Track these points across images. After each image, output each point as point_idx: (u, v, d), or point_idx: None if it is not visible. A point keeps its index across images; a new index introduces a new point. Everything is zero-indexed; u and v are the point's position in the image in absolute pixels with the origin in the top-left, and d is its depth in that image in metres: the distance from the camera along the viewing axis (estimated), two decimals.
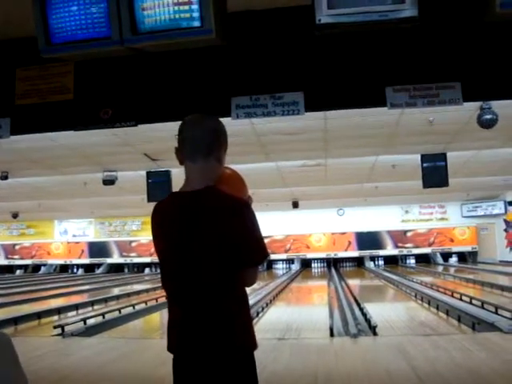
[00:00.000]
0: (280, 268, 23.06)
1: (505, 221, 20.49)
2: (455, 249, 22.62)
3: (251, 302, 9.99)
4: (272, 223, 22.58)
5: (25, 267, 26.09)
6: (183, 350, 1.72)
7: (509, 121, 7.55)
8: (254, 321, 8.37)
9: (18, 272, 25.72)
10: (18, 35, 4.00)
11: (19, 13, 3.61)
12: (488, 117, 6.78)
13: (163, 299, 11.53)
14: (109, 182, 11.13)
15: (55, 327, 7.27)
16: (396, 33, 3.70)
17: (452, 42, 3.79)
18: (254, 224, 1.73)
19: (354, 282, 15.66)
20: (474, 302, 8.82)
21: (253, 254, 1.72)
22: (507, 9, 3.16)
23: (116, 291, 14.84)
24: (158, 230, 1.89)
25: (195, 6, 3.22)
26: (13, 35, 4.03)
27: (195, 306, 1.70)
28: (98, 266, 25.23)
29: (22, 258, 26.04)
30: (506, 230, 20.56)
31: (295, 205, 18.39)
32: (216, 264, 1.68)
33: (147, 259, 24.65)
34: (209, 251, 1.68)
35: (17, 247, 26.09)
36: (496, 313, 7.42)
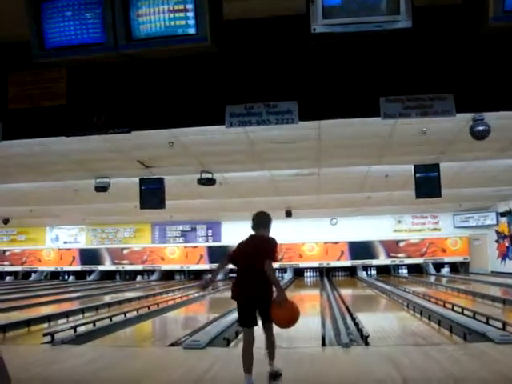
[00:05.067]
0: None
1: (496, 232, 20.59)
2: (447, 259, 22.67)
3: None
4: None
5: (15, 274, 25.84)
6: (246, 295, 4.08)
7: (501, 132, 7.61)
8: None
9: (8, 278, 25.45)
10: (11, 40, 3.99)
11: (12, 17, 3.59)
12: (481, 128, 6.83)
13: (155, 307, 11.47)
14: (101, 188, 11.07)
15: (45, 335, 7.18)
16: (390, 44, 3.73)
17: (445, 54, 3.82)
18: (276, 248, 4.15)
19: (346, 292, 15.61)
20: (465, 312, 8.81)
21: (273, 256, 4.10)
22: (499, 22, 3.19)
23: (107, 299, 14.70)
24: (239, 248, 4.32)
25: (191, 14, 3.22)
26: (6, 40, 4.02)
27: (252, 277, 4.01)
28: (90, 273, 25.03)
29: (12, 265, 25.79)
30: (497, 241, 20.64)
31: (288, 214, 18.38)
32: (261, 260, 3.97)
33: (139, 267, 24.52)
34: (259, 255, 4.02)
35: (7, 253, 25.85)
36: (487, 323, 7.41)
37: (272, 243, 4.06)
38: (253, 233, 4.21)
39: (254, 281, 3.95)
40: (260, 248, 4.01)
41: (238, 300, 4.08)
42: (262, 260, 3.90)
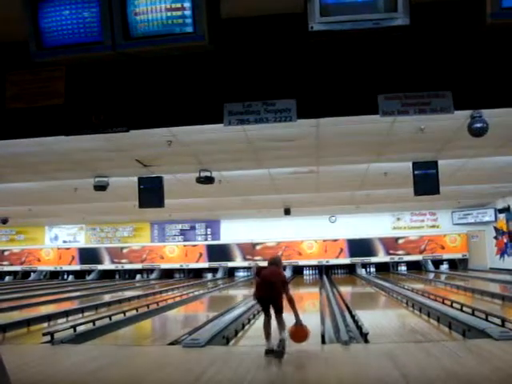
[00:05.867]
0: None
1: (495, 228, 20.62)
2: (446, 256, 22.70)
3: (243, 308, 9.97)
4: (264, 230, 22.60)
5: (14, 273, 25.82)
6: (263, 297, 5.94)
7: (499, 129, 7.61)
8: (246, 327, 8.33)
9: (7, 278, 25.45)
10: (9, 39, 3.98)
11: (10, 16, 3.59)
12: (478, 125, 6.82)
13: (154, 306, 11.48)
14: (100, 187, 11.07)
15: (44, 334, 7.18)
16: (388, 41, 3.73)
17: (443, 51, 3.82)
18: (286, 277, 6.29)
19: (345, 289, 15.64)
20: (464, 308, 8.82)
21: (286, 284, 6.00)
22: (497, 19, 3.19)
23: (107, 298, 14.71)
24: (261, 276, 6.06)
25: (188, 12, 3.22)
26: (4, 39, 4.01)
27: (268, 289, 5.85)
28: (89, 272, 25.03)
29: (11, 264, 25.78)
30: (496, 238, 20.68)
31: (287, 211, 18.39)
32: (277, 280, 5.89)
33: (138, 266, 24.53)
34: (277, 281, 5.87)
35: (6, 253, 25.84)
36: (486, 320, 7.43)
37: (283, 273, 6.32)
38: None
39: (269, 291, 5.86)
40: (277, 274, 5.99)
41: (258, 299, 6.10)
42: (277, 281, 5.88)
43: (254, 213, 20.00)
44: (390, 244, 23.00)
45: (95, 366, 5.31)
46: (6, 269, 25.70)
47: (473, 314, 8.13)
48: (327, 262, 23.24)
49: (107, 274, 24.69)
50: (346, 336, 6.43)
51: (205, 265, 23.99)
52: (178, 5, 3.23)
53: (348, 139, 8.54)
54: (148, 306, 11.33)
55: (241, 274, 23.90)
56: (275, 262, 6.25)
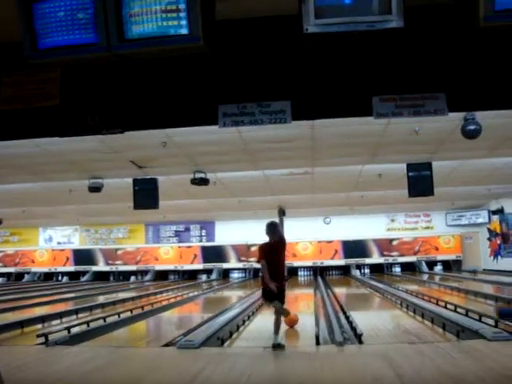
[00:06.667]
0: None
1: (488, 230, 20.71)
2: (440, 257, 22.79)
3: (237, 310, 9.95)
4: (259, 231, 22.52)
5: (8, 275, 25.69)
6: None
7: (492, 131, 7.66)
8: (241, 329, 8.33)
9: (1, 280, 25.29)
10: (3, 40, 3.97)
11: (5, 17, 3.58)
12: (472, 127, 6.87)
13: (149, 307, 11.46)
14: (95, 189, 11.04)
15: (38, 336, 7.15)
16: (382, 43, 3.75)
17: (437, 53, 3.85)
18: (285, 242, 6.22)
19: (340, 291, 15.65)
20: (458, 310, 8.85)
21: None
22: (491, 22, 3.22)
23: (101, 299, 14.65)
24: (266, 250, 5.90)
25: (183, 14, 3.23)
26: None
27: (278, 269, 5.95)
28: (83, 273, 24.94)
29: (5, 266, 25.65)
30: (489, 239, 20.77)
31: (282, 213, 18.38)
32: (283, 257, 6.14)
33: (133, 267, 24.46)
34: (282, 254, 6.08)
35: None
36: (480, 320, 7.46)
37: (283, 242, 6.09)
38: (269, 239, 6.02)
39: (277, 271, 5.92)
40: (279, 250, 5.95)
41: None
42: (282, 260, 6.01)
43: (248, 214, 20.01)
44: (384, 245, 23.06)
45: (92, 367, 5.30)
46: None
47: (466, 315, 8.17)
48: (322, 263, 23.27)
49: (101, 276, 24.59)
50: (340, 337, 6.44)
51: (199, 266, 23.97)
52: (173, 7, 3.23)
53: (343, 141, 8.57)
54: (142, 307, 11.30)
55: (235, 275, 23.90)
56: (271, 230, 5.93)
